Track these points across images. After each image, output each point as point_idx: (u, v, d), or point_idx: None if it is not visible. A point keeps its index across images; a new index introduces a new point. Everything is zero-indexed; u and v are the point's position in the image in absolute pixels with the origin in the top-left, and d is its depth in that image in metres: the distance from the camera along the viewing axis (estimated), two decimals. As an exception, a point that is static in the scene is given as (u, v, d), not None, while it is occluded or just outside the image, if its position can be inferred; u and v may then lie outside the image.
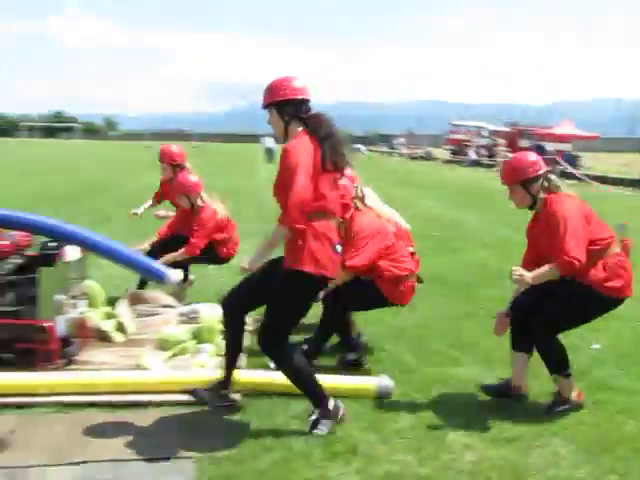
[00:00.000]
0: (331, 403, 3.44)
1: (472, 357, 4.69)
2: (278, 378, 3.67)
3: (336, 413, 3.43)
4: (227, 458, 3.15)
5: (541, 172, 3.74)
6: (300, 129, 3.40)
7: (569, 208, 3.60)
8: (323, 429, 3.36)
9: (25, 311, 4.15)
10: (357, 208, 4.34)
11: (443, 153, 42.91)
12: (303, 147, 3.30)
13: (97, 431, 3.46)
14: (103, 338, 4.78)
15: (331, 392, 3.54)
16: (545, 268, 3.50)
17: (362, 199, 4.44)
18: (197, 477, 3.01)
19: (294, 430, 3.46)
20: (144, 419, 3.61)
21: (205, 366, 4.28)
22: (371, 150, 51.11)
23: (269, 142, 35.89)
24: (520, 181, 3.74)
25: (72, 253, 4.48)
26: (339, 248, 3.47)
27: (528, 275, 3.47)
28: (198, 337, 4.67)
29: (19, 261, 4.31)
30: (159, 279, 4.62)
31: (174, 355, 4.44)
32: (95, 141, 69.92)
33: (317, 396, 3.45)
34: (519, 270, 3.49)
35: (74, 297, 4.58)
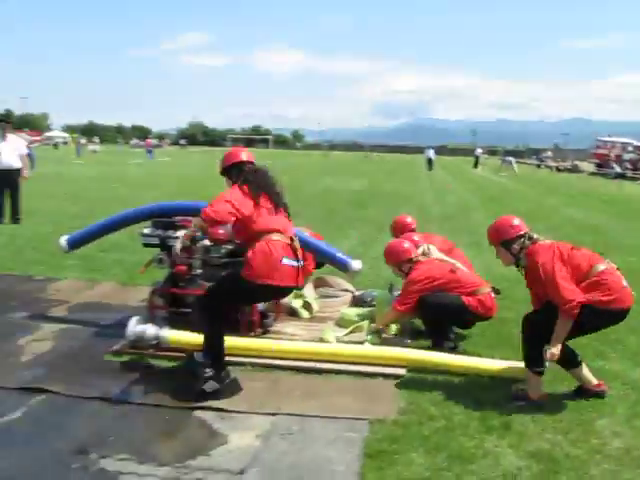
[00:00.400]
0: (224, 372, 4.08)
1: (619, 353, 4.84)
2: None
3: (223, 381, 4.03)
4: (395, 423, 3.59)
5: (521, 233, 3.97)
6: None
7: (547, 256, 3.80)
8: (209, 387, 3.95)
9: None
10: (419, 261, 5.07)
11: (588, 166, 45.44)
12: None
13: (285, 389, 4.09)
14: (293, 314, 5.59)
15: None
16: (558, 327, 3.68)
17: (425, 254, 5.25)
18: (369, 437, 3.45)
19: (455, 403, 3.85)
20: (324, 384, 4.19)
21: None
22: (520, 162, 52.54)
23: (431, 153, 41.05)
24: (501, 242, 4.01)
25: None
26: (286, 261, 4.02)
27: (556, 351, 3.70)
28: (371, 318, 5.25)
29: (230, 247, 5.11)
30: (343, 267, 5.38)
31: (350, 332, 5.04)
32: (284, 150, 79.10)
33: (217, 360, 4.07)
34: (549, 352, 3.71)
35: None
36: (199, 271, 5.06)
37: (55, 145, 70.87)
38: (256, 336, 4.90)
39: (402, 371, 4.35)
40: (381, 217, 13.06)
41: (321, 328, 5.19)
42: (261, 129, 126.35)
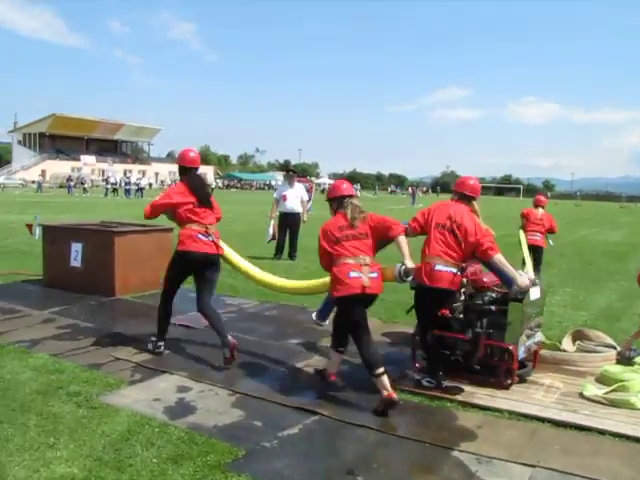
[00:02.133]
0: (161, 343, 5.70)
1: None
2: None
3: (158, 352, 5.66)
4: None
5: None
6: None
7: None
8: (150, 348, 5.68)
9: (496, 334, 4.98)
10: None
11: None
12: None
13: (543, 442, 3.98)
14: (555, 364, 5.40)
15: None
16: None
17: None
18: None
19: None
20: (585, 442, 4.00)
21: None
22: None
23: None
24: None
25: (535, 293, 5.14)
26: (202, 237, 5.46)
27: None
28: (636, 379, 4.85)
29: (494, 295, 5.16)
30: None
31: (613, 390, 4.72)
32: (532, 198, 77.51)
33: (160, 331, 5.71)
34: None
35: (532, 328, 5.24)
36: (461, 316, 5.18)
37: (323, 191, 77.19)
38: (511, 385, 4.89)
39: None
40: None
41: (581, 383, 4.98)
42: (511, 178, 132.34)
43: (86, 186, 52.97)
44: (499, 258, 4.88)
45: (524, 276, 4.98)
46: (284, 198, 12.24)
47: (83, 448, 3.70)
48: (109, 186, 49.89)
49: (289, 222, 12.29)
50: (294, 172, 13.07)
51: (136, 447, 3.74)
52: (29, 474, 3.39)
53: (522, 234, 8.04)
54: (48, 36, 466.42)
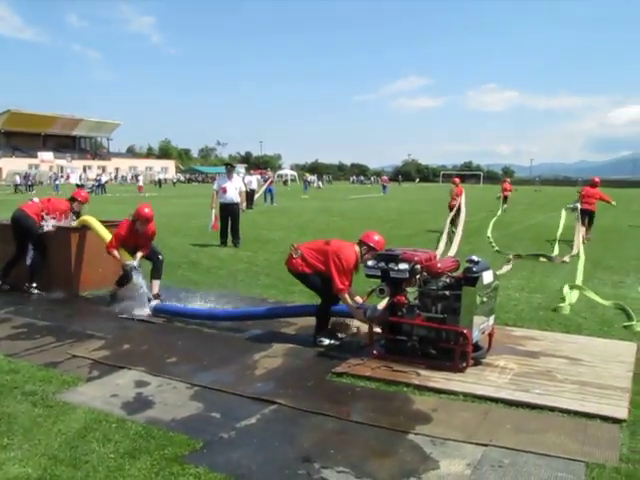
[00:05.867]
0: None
1: None
2: None
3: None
4: (617, 470, 3.42)
5: None
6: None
7: None
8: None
9: (449, 319, 5.08)
10: None
11: None
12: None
13: (496, 421, 4.09)
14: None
15: None
16: None
17: None
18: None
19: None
20: (536, 419, 4.12)
21: None
22: None
23: None
24: None
25: (488, 277, 5.24)
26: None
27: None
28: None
29: (447, 280, 5.26)
30: None
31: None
32: (492, 186, 78.44)
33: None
34: None
35: (489, 312, 5.36)
36: (416, 301, 5.28)
37: (285, 182, 77.15)
38: (466, 368, 5.00)
39: (623, 414, 4.11)
40: (599, 255, 12.28)
41: (534, 364, 5.12)
42: (472, 165, 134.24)
43: (32, 192, 52.44)
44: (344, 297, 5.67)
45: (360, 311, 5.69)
46: (224, 190, 13.31)
47: (38, 447, 3.66)
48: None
49: (229, 212, 13.37)
50: (232, 166, 14.42)
51: (92, 444, 3.72)
52: (-19, 476, 3.33)
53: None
54: (2, 30, 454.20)
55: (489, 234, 15.51)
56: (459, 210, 15.64)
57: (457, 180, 18.18)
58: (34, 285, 8.20)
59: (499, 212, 24.30)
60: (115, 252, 7.32)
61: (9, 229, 8.37)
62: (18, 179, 53.89)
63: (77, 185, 49.35)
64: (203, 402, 4.44)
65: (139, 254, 7.39)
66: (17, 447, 3.65)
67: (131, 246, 7.41)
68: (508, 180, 32.60)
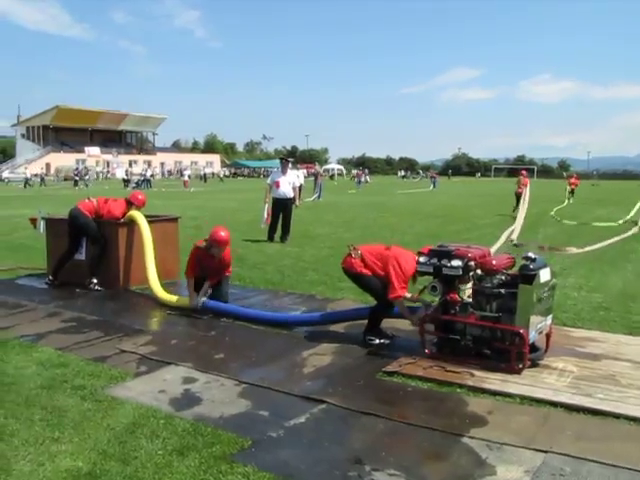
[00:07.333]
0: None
1: None
2: None
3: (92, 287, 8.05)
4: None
5: None
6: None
7: None
8: (95, 287, 8.08)
9: (505, 318, 4.89)
10: None
11: None
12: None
13: (556, 427, 3.89)
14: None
15: None
16: None
17: None
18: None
19: None
20: (600, 426, 3.90)
21: None
22: None
23: None
24: None
25: (545, 275, 5.03)
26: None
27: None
28: None
29: (503, 278, 5.07)
30: None
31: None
32: (549, 180, 76.65)
33: (93, 271, 8.10)
34: None
35: (546, 311, 5.14)
36: (470, 300, 5.10)
37: (332, 176, 76.99)
38: (522, 369, 4.80)
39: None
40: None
41: (595, 366, 4.91)
42: (525, 159, 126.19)
43: (86, 179, 53.39)
44: None
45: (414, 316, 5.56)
46: (277, 185, 13.09)
47: (88, 441, 3.65)
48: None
49: (281, 207, 13.11)
50: (287, 160, 13.93)
51: (141, 439, 3.69)
52: (34, 468, 3.34)
53: None
54: (52, 28, 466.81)
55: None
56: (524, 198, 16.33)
57: (524, 172, 22.44)
58: (94, 281, 8.14)
59: (565, 202, 27.88)
60: (191, 281, 6.93)
61: (62, 223, 8.50)
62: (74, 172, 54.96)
63: (123, 180, 50.33)
64: (251, 400, 4.37)
65: (206, 285, 6.87)
66: (68, 441, 3.66)
67: (200, 274, 6.94)
68: (575, 175, 36.31)
